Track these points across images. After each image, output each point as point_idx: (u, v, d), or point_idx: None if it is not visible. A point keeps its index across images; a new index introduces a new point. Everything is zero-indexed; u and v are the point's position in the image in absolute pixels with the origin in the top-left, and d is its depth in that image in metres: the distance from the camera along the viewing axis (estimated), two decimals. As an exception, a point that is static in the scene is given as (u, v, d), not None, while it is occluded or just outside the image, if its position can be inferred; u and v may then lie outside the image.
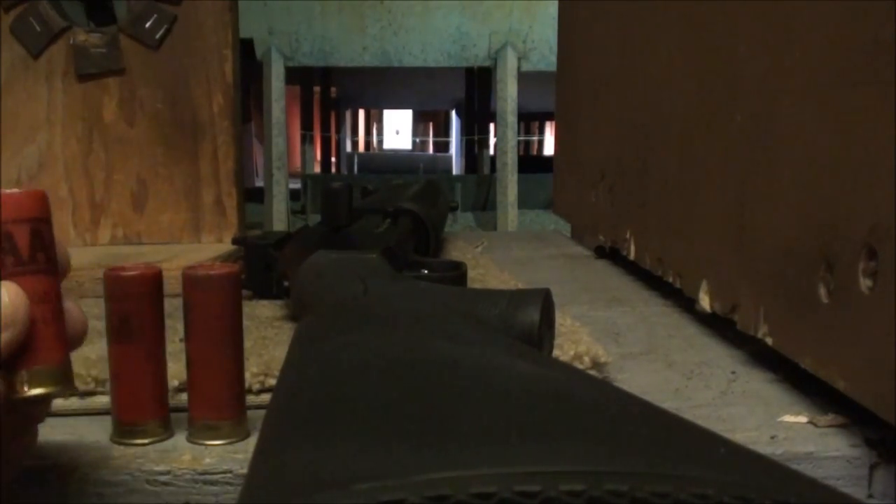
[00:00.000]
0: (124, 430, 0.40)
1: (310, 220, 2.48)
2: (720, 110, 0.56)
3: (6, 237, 0.25)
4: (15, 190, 0.26)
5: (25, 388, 0.25)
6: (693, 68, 0.62)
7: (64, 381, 0.26)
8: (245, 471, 0.36)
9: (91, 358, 0.45)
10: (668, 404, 0.46)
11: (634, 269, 0.81)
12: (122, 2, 0.85)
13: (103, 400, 0.43)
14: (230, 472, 0.38)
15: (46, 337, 0.25)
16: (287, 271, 0.58)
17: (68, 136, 0.82)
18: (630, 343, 0.59)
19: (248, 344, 0.46)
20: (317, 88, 4.25)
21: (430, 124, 8.50)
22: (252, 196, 2.61)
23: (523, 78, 2.61)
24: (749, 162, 0.52)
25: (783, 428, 0.43)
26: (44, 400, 0.27)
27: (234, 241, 0.71)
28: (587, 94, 0.96)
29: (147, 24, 0.81)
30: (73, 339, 0.28)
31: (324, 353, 0.26)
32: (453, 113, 5.74)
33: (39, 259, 0.25)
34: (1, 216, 0.25)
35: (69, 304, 0.27)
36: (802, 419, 0.44)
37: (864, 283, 0.39)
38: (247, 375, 0.44)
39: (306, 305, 0.46)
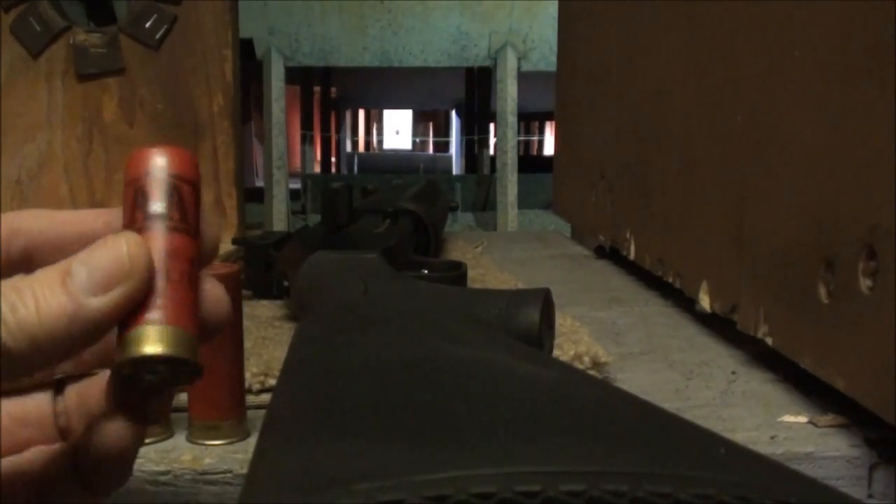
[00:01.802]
0: (124, 430, 0.40)
1: (310, 220, 2.48)
2: (720, 110, 0.56)
3: (140, 192, 0.23)
4: (174, 149, 0.23)
5: (136, 348, 0.21)
6: (693, 68, 0.62)
7: (182, 348, 0.22)
8: (245, 471, 0.36)
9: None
10: (668, 404, 0.46)
11: (634, 269, 0.81)
12: (122, 2, 0.85)
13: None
14: (230, 472, 0.38)
15: (171, 296, 0.22)
16: (287, 271, 0.58)
17: (68, 136, 0.82)
18: (630, 343, 0.59)
19: (248, 344, 0.46)
20: (317, 88, 4.25)
21: (430, 124, 8.50)
22: (252, 196, 2.61)
23: (523, 78, 2.60)
24: (749, 162, 0.52)
25: (783, 428, 0.43)
26: (159, 384, 0.23)
27: (235, 241, 0.71)
28: (587, 94, 0.96)
29: (147, 24, 0.81)
30: (210, 322, 0.24)
31: (324, 353, 0.26)
32: (453, 113, 5.74)
33: (174, 216, 0.23)
34: (135, 171, 0.23)
35: (210, 284, 0.24)
36: (802, 419, 0.44)
37: (864, 283, 0.39)
38: (247, 375, 0.44)
39: (306, 305, 0.46)
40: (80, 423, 0.25)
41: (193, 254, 0.23)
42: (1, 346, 0.20)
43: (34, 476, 0.24)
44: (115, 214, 0.24)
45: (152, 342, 0.22)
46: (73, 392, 0.25)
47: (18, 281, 0.21)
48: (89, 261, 0.22)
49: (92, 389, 0.25)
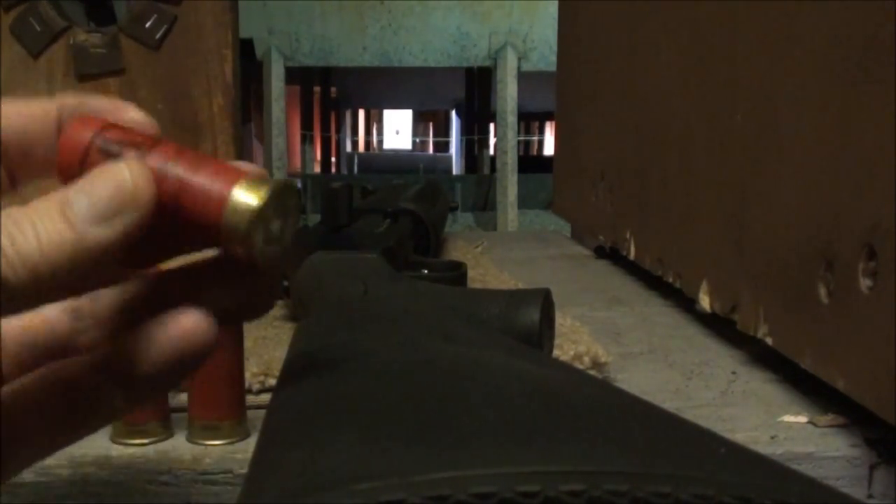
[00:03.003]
0: (124, 430, 0.40)
1: (310, 220, 2.48)
2: (720, 110, 0.56)
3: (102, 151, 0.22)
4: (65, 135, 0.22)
5: (253, 199, 0.21)
6: (693, 68, 0.62)
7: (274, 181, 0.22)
8: (245, 471, 0.36)
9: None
10: (668, 404, 0.46)
11: (634, 269, 0.81)
12: (122, 2, 0.85)
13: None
14: (230, 472, 0.38)
15: (216, 160, 0.22)
16: (287, 271, 0.58)
17: (68, 136, 0.82)
18: (630, 343, 0.59)
19: (248, 344, 0.46)
20: (317, 88, 4.25)
21: (430, 124, 8.50)
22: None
23: (523, 78, 2.60)
24: (749, 162, 0.52)
25: (783, 428, 0.43)
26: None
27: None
28: (587, 94, 0.96)
29: (147, 24, 0.81)
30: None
31: (324, 353, 0.26)
32: (453, 113, 5.74)
33: (128, 155, 0.22)
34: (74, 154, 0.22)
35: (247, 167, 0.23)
36: (802, 419, 0.44)
37: (864, 283, 0.39)
38: (247, 375, 0.44)
39: (306, 305, 0.46)
40: (97, 328, 0.24)
41: (172, 148, 0.22)
42: (2, 277, 0.19)
43: (58, 387, 0.23)
44: (69, 111, 0.23)
45: (256, 189, 0.21)
46: (85, 301, 0.24)
47: (15, 211, 0.20)
48: (90, 190, 0.21)
49: (104, 297, 0.24)
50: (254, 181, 0.22)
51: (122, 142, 0.22)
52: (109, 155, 0.22)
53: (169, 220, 0.22)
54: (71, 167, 0.22)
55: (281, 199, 0.22)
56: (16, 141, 0.23)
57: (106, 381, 0.23)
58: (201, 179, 0.22)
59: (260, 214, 0.21)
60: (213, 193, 0.21)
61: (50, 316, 0.24)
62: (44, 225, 0.20)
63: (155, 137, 0.23)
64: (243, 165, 0.23)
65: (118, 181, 0.21)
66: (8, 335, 0.23)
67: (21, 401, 0.23)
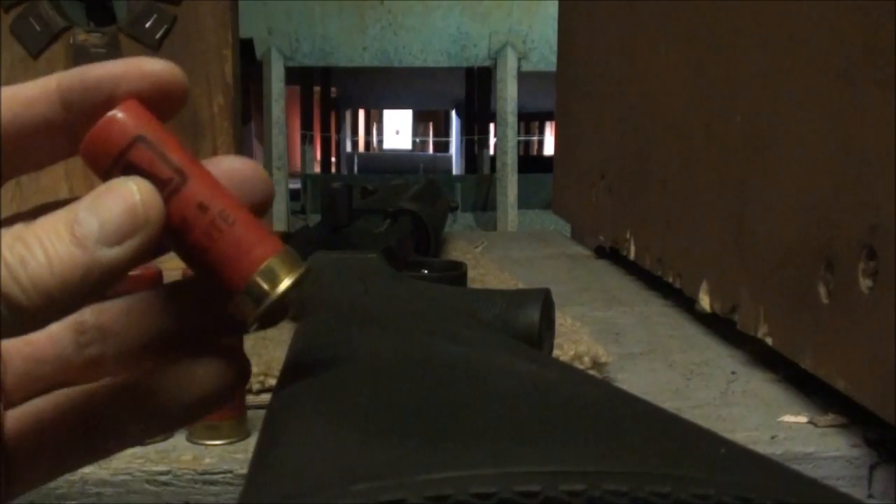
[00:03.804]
0: (124, 430, 0.40)
1: (310, 220, 2.48)
2: (720, 110, 0.56)
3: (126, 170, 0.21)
4: (98, 126, 0.21)
5: (275, 285, 0.21)
6: (693, 68, 0.62)
7: (299, 262, 0.21)
8: (245, 471, 0.36)
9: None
10: (668, 404, 0.46)
11: (634, 269, 0.81)
12: (122, 2, 0.85)
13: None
14: (230, 472, 0.38)
15: (252, 227, 0.21)
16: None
17: (68, 136, 0.82)
18: (630, 343, 0.59)
19: (248, 344, 0.46)
20: (317, 88, 4.25)
21: (430, 124, 8.50)
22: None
23: (523, 78, 2.61)
24: (749, 162, 0.52)
25: (783, 428, 0.43)
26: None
27: (234, 241, 0.71)
28: (587, 94, 0.96)
29: (147, 24, 0.81)
30: (245, 194, 0.23)
31: (324, 353, 0.26)
32: (453, 113, 5.74)
33: (172, 175, 0.21)
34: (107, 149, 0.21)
35: (238, 164, 0.23)
36: (802, 419, 0.44)
37: (864, 283, 0.39)
38: (247, 375, 0.44)
39: (306, 305, 0.46)
40: (103, 341, 0.24)
41: (205, 187, 0.22)
42: (13, 301, 0.19)
43: (74, 413, 0.23)
44: (66, 83, 0.22)
45: (284, 271, 0.21)
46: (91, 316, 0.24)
47: (22, 231, 0.20)
48: (98, 209, 0.20)
49: (112, 314, 0.24)
50: (287, 258, 0.22)
51: (157, 159, 0.21)
52: (139, 173, 0.21)
53: (186, 247, 0.21)
54: (99, 160, 0.21)
55: (303, 283, 0.22)
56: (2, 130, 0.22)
57: (125, 412, 0.23)
58: (241, 234, 0.21)
59: (282, 297, 0.21)
60: (248, 258, 0.21)
61: (52, 331, 0.24)
62: (54, 247, 0.20)
63: (191, 157, 0.22)
64: (249, 173, 0.23)
65: (128, 202, 0.20)
66: (12, 353, 0.23)
67: (34, 424, 0.22)
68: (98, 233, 0.20)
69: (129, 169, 0.21)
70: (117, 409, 0.23)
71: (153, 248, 0.21)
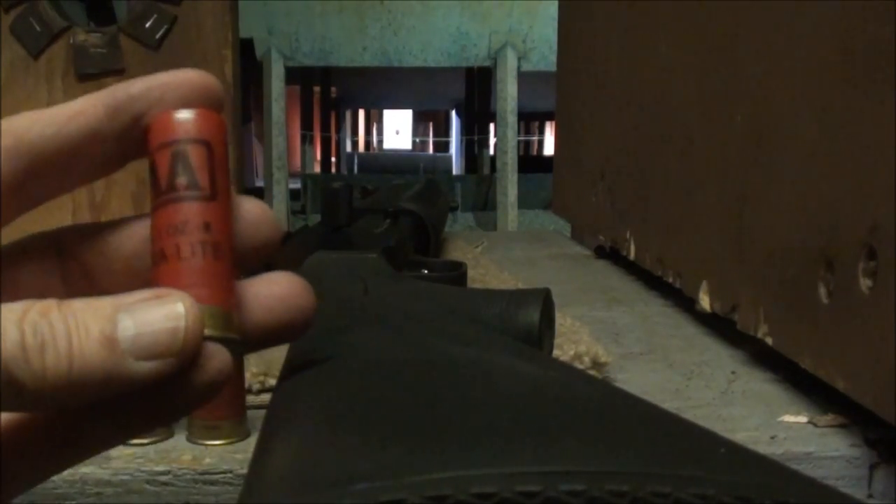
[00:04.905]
0: (124, 430, 0.40)
1: (310, 220, 2.48)
2: (720, 110, 0.56)
3: (150, 169, 0.21)
4: (179, 111, 0.21)
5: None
6: (693, 68, 0.62)
7: (215, 327, 0.20)
8: (245, 471, 0.36)
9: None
10: (668, 404, 0.46)
11: (634, 269, 0.81)
12: (122, 2, 0.85)
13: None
14: (230, 472, 0.38)
15: (185, 273, 0.20)
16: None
17: (68, 136, 0.82)
18: (630, 343, 0.59)
19: (248, 344, 0.46)
20: (317, 88, 4.25)
21: (430, 124, 8.50)
22: (252, 196, 2.60)
23: (523, 78, 2.61)
24: (749, 162, 0.52)
25: (783, 428, 0.43)
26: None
27: (234, 241, 0.71)
28: (587, 94, 0.96)
29: (147, 24, 0.81)
30: (250, 236, 0.22)
31: (324, 353, 0.26)
32: (453, 113, 5.74)
33: (179, 185, 0.21)
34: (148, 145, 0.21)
35: (251, 205, 0.22)
36: (802, 419, 0.44)
37: (864, 283, 0.39)
38: (247, 375, 0.44)
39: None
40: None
41: (211, 217, 0.21)
42: (17, 382, 0.18)
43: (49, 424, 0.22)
44: (110, 94, 0.22)
45: (209, 325, 0.20)
46: None
47: (53, 311, 0.19)
48: (140, 317, 0.19)
49: None
50: (224, 319, 0.21)
51: (206, 167, 0.21)
52: (185, 167, 0.21)
53: (161, 247, 0.21)
54: (160, 136, 0.21)
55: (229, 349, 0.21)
56: (42, 148, 0.21)
57: (101, 415, 0.21)
58: (213, 269, 0.21)
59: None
60: (196, 290, 0.20)
61: None
62: (81, 344, 0.18)
63: (228, 183, 0.22)
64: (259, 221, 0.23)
65: (173, 324, 0.19)
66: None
67: (11, 432, 0.21)
68: (131, 343, 0.19)
69: (179, 158, 0.21)
70: (92, 412, 0.21)
71: (176, 375, 0.20)
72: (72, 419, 0.21)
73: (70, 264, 0.23)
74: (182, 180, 0.21)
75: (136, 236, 0.23)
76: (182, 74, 0.22)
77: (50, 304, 0.19)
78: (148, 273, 0.21)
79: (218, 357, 0.20)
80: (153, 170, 0.21)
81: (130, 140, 0.22)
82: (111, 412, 0.21)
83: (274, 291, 0.23)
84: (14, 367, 0.18)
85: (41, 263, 0.23)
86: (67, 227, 0.23)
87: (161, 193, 0.21)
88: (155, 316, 0.19)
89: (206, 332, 0.20)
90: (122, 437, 0.22)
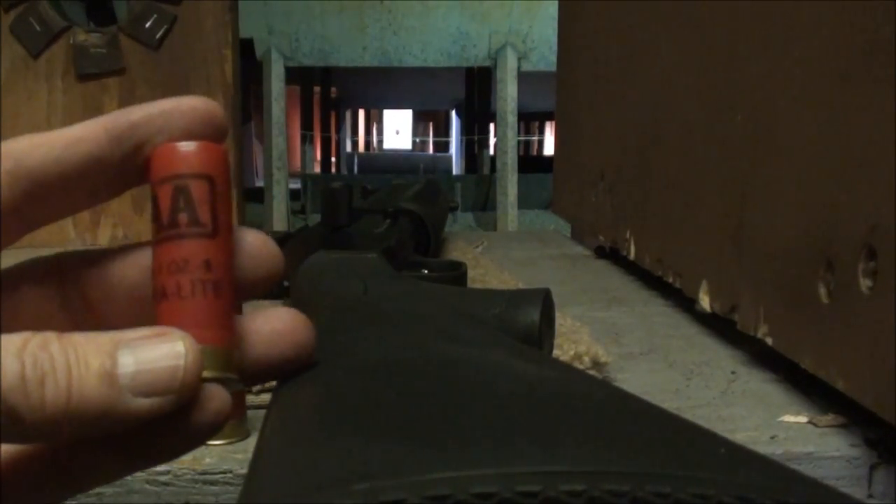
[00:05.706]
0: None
1: (310, 220, 2.48)
2: (720, 110, 0.56)
3: (152, 202, 0.21)
4: (182, 143, 0.21)
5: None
6: (693, 68, 0.62)
7: (214, 368, 0.20)
8: (245, 471, 0.36)
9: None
10: (668, 404, 0.46)
11: (634, 269, 0.81)
12: (122, 2, 0.85)
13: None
14: (230, 472, 0.38)
15: (186, 312, 0.20)
16: (287, 271, 0.58)
17: (68, 136, 0.82)
18: (630, 343, 0.59)
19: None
20: (317, 88, 4.25)
21: (430, 124, 8.50)
22: (252, 196, 2.61)
23: (523, 78, 2.61)
24: (749, 162, 0.52)
25: (783, 428, 0.43)
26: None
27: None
28: (587, 94, 0.96)
29: (147, 24, 0.81)
30: (251, 269, 0.22)
31: (323, 353, 0.26)
32: (453, 113, 5.74)
33: (181, 221, 0.21)
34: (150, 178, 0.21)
35: (252, 237, 0.23)
36: (802, 419, 0.44)
37: (864, 283, 0.39)
38: (247, 375, 0.44)
39: (306, 305, 0.46)
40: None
41: (213, 254, 0.21)
42: (16, 414, 0.18)
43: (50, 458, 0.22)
44: (111, 121, 0.21)
45: (209, 366, 0.20)
46: None
47: (53, 345, 0.19)
48: (140, 354, 0.19)
49: None
50: (223, 358, 0.21)
51: (208, 203, 0.21)
52: (186, 202, 0.21)
53: (163, 282, 0.21)
54: (163, 170, 0.21)
55: (226, 387, 0.22)
56: (42, 173, 0.21)
57: (100, 449, 0.21)
58: (212, 308, 0.21)
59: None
60: (196, 330, 0.21)
61: None
62: (80, 379, 0.18)
63: (230, 219, 0.22)
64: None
65: (173, 362, 0.20)
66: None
67: (9, 462, 0.22)
68: (131, 378, 0.19)
69: (181, 194, 0.21)
70: (92, 446, 0.21)
71: (174, 413, 0.20)
72: (72, 451, 0.21)
73: (70, 291, 0.23)
74: (184, 217, 0.21)
75: (137, 266, 0.23)
76: (186, 102, 0.22)
77: (50, 336, 0.19)
78: (148, 304, 0.21)
79: (217, 398, 0.21)
80: (155, 203, 0.21)
81: (132, 167, 0.22)
82: (111, 446, 0.21)
83: (274, 327, 0.23)
84: (13, 399, 0.18)
85: (41, 289, 0.23)
86: (69, 252, 0.23)
87: (163, 228, 0.21)
88: (155, 354, 0.19)
89: (206, 373, 0.20)
90: (123, 471, 0.22)
